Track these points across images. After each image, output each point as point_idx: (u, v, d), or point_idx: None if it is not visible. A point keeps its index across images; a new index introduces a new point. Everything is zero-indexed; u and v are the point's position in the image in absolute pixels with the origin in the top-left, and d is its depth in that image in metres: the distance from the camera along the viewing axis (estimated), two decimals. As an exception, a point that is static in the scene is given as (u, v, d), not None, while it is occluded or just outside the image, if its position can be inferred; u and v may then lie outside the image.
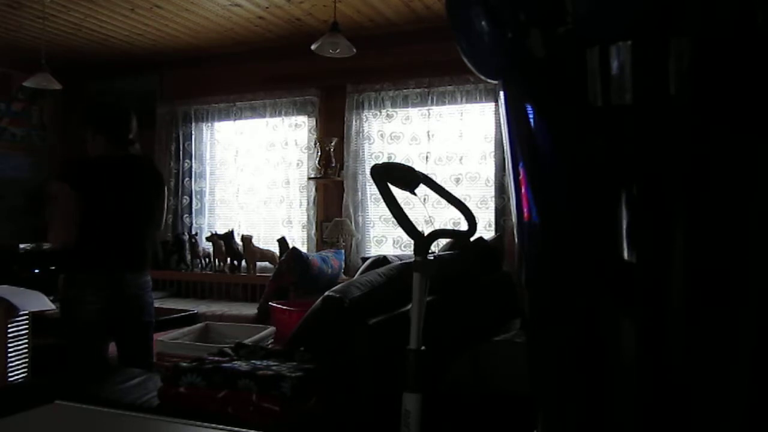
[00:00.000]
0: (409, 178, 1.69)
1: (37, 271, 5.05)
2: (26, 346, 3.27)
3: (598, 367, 1.05)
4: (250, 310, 4.49)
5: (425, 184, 1.73)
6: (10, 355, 3.17)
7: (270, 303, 3.89)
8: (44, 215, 5.59)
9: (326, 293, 2.00)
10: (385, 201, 1.54)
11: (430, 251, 1.56)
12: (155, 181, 2.85)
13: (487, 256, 3.13)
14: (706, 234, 0.95)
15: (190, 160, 5.56)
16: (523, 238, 1.18)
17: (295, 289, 4.26)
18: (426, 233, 1.57)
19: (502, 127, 1.23)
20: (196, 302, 4.91)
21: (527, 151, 1.14)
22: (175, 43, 5.16)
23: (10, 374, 3.15)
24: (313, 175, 5.08)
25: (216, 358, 1.96)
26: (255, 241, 5.13)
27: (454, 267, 2.68)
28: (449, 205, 1.78)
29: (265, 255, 5.08)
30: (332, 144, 4.96)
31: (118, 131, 2.72)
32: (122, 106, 3.25)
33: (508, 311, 2.98)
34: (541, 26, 1.01)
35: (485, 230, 4.52)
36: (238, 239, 5.17)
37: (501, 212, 4.54)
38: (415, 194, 1.71)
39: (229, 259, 5.23)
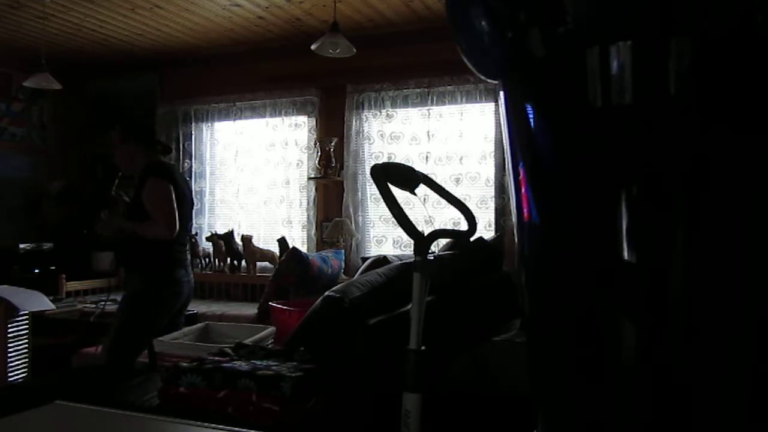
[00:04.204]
0: (409, 178, 1.69)
1: (37, 271, 5.05)
2: (26, 346, 3.27)
3: (598, 367, 1.05)
4: (250, 310, 4.49)
5: (425, 184, 1.73)
6: (10, 355, 3.17)
7: (270, 303, 3.88)
8: (44, 215, 5.59)
9: (326, 293, 2.00)
10: (385, 201, 1.54)
11: (430, 251, 1.56)
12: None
13: (487, 256, 3.13)
14: (707, 234, 0.95)
15: (190, 160, 5.56)
16: (523, 238, 1.18)
17: (295, 289, 4.26)
18: (426, 233, 1.57)
19: (502, 127, 1.23)
20: (195, 302, 4.89)
21: (527, 151, 1.14)
22: (175, 43, 5.16)
23: (10, 374, 3.16)
24: (313, 175, 5.08)
25: (216, 358, 1.96)
26: (255, 241, 5.13)
27: (454, 267, 2.67)
28: (449, 205, 1.77)
29: (265, 255, 5.08)
30: (332, 144, 4.96)
31: (153, 140, 3.11)
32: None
33: (508, 311, 2.97)
34: (541, 26, 1.01)
35: (485, 230, 4.52)
36: (238, 239, 5.17)
37: (501, 212, 4.53)
38: (415, 194, 1.71)
39: (229, 259, 5.23)
